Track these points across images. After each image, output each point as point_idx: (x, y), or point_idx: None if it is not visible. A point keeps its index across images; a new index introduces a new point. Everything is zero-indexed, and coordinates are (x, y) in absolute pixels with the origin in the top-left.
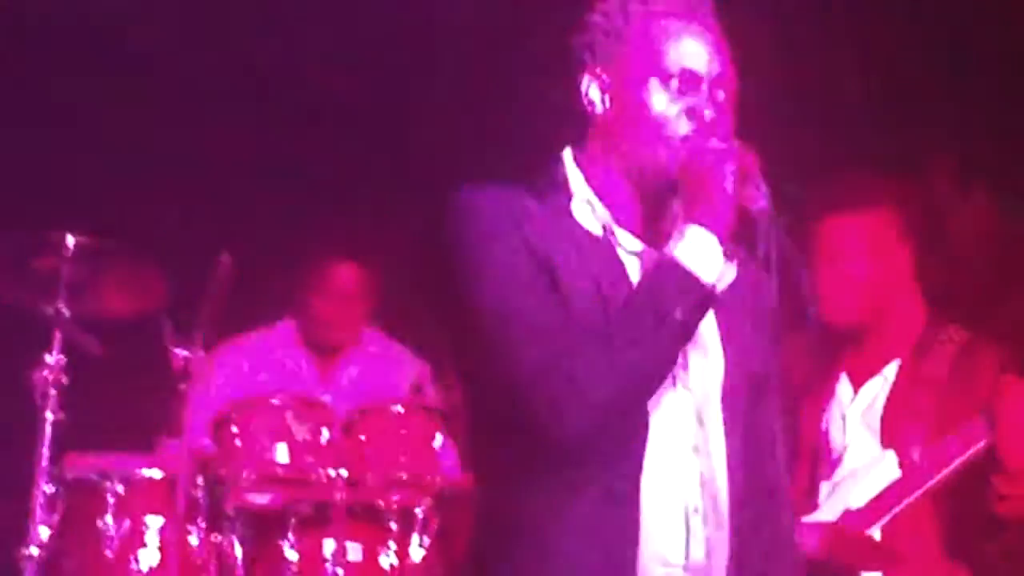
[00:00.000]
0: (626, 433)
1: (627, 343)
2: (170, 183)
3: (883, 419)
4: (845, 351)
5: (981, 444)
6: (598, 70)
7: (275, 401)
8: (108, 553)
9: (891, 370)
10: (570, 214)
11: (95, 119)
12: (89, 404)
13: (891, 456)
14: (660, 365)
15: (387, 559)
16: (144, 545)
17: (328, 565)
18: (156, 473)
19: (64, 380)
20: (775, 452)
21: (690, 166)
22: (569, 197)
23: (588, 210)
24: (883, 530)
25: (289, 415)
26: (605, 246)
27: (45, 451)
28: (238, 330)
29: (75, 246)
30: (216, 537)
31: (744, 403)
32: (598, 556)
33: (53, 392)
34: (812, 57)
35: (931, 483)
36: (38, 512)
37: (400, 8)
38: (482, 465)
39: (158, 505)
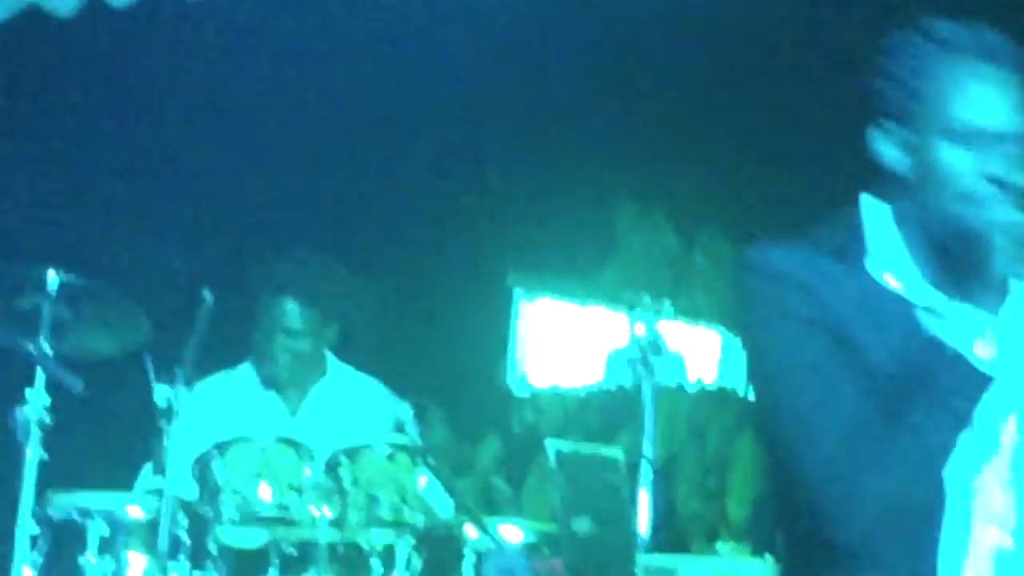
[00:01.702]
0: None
1: (920, 443)
2: (151, 222)
3: None
4: None
5: None
6: (889, 123)
7: (257, 441)
8: None
9: None
10: (865, 272)
11: (78, 158)
12: (72, 443)
13: None
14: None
15: None
16: None
17: None
18: (139, 512)
19: (47, 419)
20: None
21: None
22: (863, 253)
23: (887, 269)
24: None
25: (271, 455)
26: (904, 307)
27: (28, 490)
28: (217, 368)
29: (58, 284)
30: None
31: None
32: None
33: (36, 430)
34: None
35: None
36: (21, 552)
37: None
38: (781, 548)
39: (141, 544)
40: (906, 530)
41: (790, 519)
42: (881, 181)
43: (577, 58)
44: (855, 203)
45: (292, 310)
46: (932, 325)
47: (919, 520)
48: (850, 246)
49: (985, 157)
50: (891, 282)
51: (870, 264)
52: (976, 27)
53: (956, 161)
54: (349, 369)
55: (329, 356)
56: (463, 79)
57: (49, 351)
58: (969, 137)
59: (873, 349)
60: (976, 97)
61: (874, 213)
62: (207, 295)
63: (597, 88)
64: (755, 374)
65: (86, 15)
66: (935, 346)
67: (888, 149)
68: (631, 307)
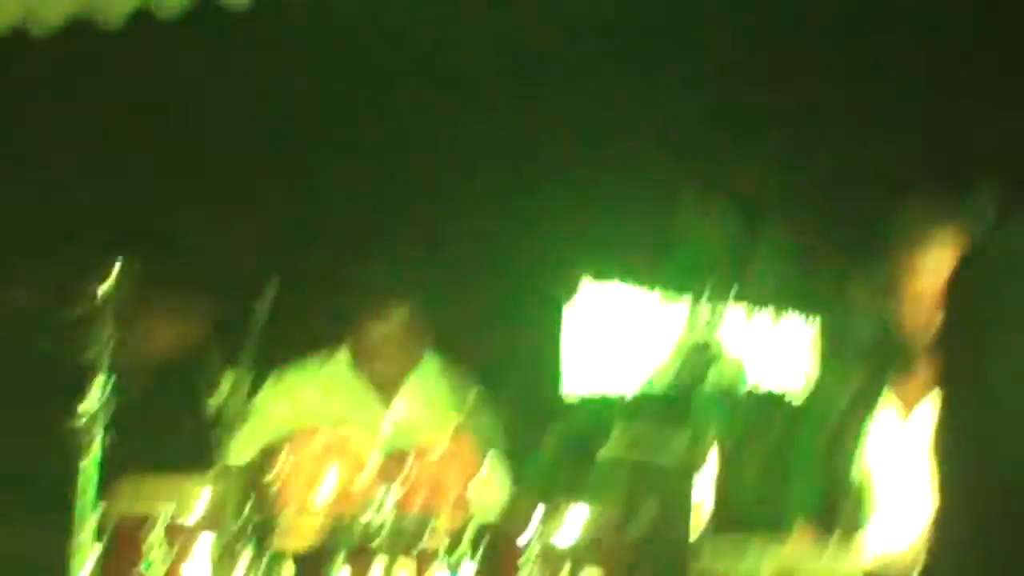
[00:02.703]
0: None
1: None
2: (215, 212)
3: (939, 448)
4: (884, 380)
5: None
6: None
7: (324, 433)
8: None
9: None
10: None
11: (140, 152)
12: (135, 433)
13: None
14: None
15: None
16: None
17: None
18: (202, 507)
19: (113, 406)
20: None
21: None
22: None
23: None
24: None
25: (338, 447)
26: None
27: (91, 487)
28: (285, 360)
29: (120, 274)
30: (263, 567)
31: None
32: None
33: (99, 421)
34: None
35: None
36: (82, 546)
37: None
38: None
39: (206, 535)
40: None
41: None
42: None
43: (636, 43)
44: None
45: (401, 312)
46: None
47: None
48: None
49: None
50: None
51: None
52: None
53: None
54: (439, 362)
55: (427, 353)
56: (518, 65)
57: (116, 340)
58: None
59: None
60: None
61: None
62: (272, 286)
63: (656, 74)
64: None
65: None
66: None
67: None
68: (691, 302)
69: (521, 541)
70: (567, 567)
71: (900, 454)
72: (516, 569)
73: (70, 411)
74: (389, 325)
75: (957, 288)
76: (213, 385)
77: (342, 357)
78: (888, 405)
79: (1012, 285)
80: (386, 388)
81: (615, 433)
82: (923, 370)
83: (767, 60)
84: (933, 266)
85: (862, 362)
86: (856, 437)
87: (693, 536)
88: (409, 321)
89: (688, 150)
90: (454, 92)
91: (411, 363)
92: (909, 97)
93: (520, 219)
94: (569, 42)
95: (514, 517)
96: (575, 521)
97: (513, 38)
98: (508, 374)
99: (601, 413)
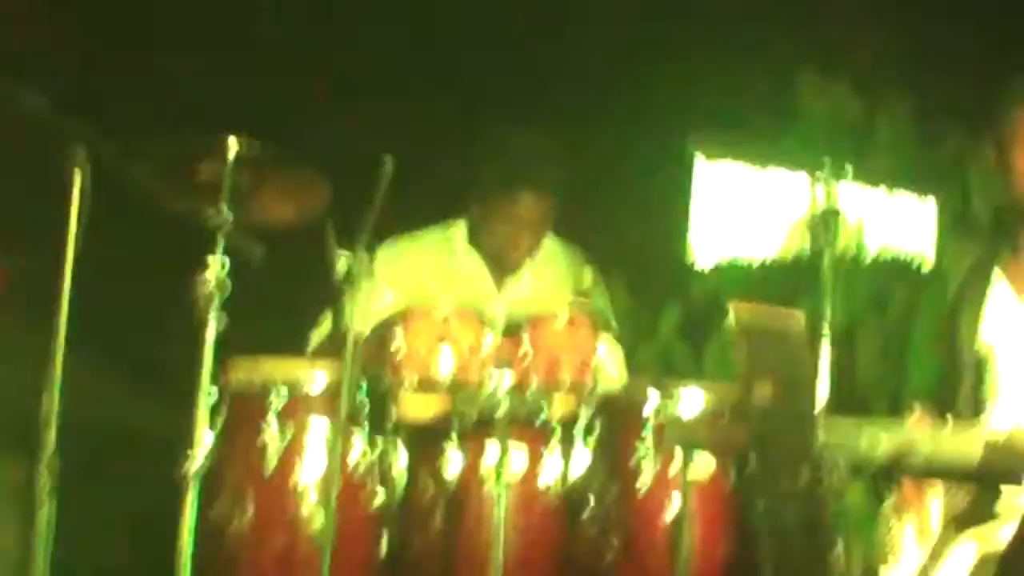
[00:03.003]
0: None
1: None
2: (331, 88)
3: None
4: (1001, 261)
5: None
6: None
7: (439, 309)
8: (270, 464)
9: None
10: None
11: (257, 27)
12: (252, 311)
13: None
14: None
15: (550, 468)
16: (307, 453)
17: (490, 474)
18: (319, 381)
19: (227, 286)
20: None
21: None
22: None
23: None
24: None
25: (453, 323)
26: None
27: (208, 359)
28: (399, 232)
29: (237, 151)
30: (379, 447)
31: None
32: None
33: (216, 299)
34: None
35: None
36: (201, 421)
37: None
38: None
39: (321, 413)
40: None
41: None
42: None
43: None
44: None
45: (527, 202)
46: None
47: None
48: None
49: None
50: None
51: None
52: None
53: None
54: (557, 243)
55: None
56: None
57: (230, 218)
58: None
59: None
60: None
61: None
62: (388, 162)
63: None
64: None
65: None
66: None
67: None
68: (812, 173)
69: (641, 415)
70: (686, 442)
71: (1018, 331)
72: (635, 445)
73: (193, 281)
74: (513, 204)
75: None
76: (332, 261)
77: (459, 230)
78: (1005, 282)
79: None
80: (504, 265)
81: (737, 305)
82: None
83: None
84: None
85: (980, 238)
86: (975, 313)
87: (816, 409)
88: (534, 202)
89: (806, 26)
90: None
91: (532, 245)
92: None
93: (640, 96)
94: None
95: (633, 392)
96: (695, 396)
97: None
98: (629, 251)
99: (723, 286)
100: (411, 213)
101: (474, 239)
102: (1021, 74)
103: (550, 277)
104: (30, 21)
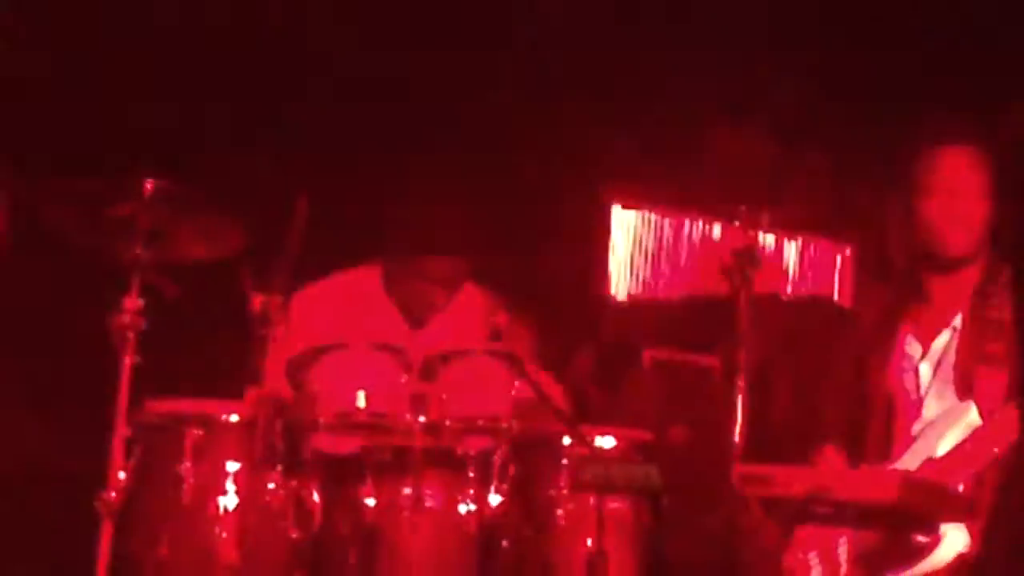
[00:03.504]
0: None
1: None
2: (247, 129)
3: (957, 369)
4: (908, 307)
5: None
6: None
7: (354, 346)
8: (185, 499)
9: (958, 321)
10: None
11: (173, 67)
12: (167, 349)
13: (971, 407)
14: None
15: (465, 506)
16: (223, 491)
17: (406, 511)
18: (234, 418)
19: (142, 325)
20: None
21: None
22: None
23: None
24: (966, 480)
25: (367, 360)
26: None
27: (123, 396)
28: (314, 276)
29: (153, 191)
30: (294, 483)
31: None
32: None
33: (131, 337)
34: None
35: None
36: (116, 457)
37: None
38: None
39: (236, 450)
40: None
41: None
42: None
43: None
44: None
45: (439, 264)
46: None
47: None
48: None
49: None
50: None
51: None
52: None
53: None
54: (476, 289)
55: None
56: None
57: (145, 257)
58: None
59: None
60: None
61: None
62: (303, 203)
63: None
64: None
65: None
66: None
67: None
68: (728, 218)
69: (557, 452)
70: (604, 478)
71: (923, 376)
72: (551, 480)
73: (112, 311)
74: (425, 266)
75: None
76: (248, 300)
77: (374, 274)
78: (911, 330)
79: None
80: (418, 315)
81: (652, 351)
82: (943, 291)
83: None
84: (957, 181)
85: (892, 284)
86: (884, 358)
87: (731, 450)
88: (446, 264)
89: (724, 73)
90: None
91: (445, 301)
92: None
93: (560, 146)
94: None
95: (548, 434)
96: (612, 434)
97: None
98: (546, 295)
99: (639, 326)
100: (323, 255)
101: (388, 286)
102: (927, 126)
103: (465, 322)
104: None
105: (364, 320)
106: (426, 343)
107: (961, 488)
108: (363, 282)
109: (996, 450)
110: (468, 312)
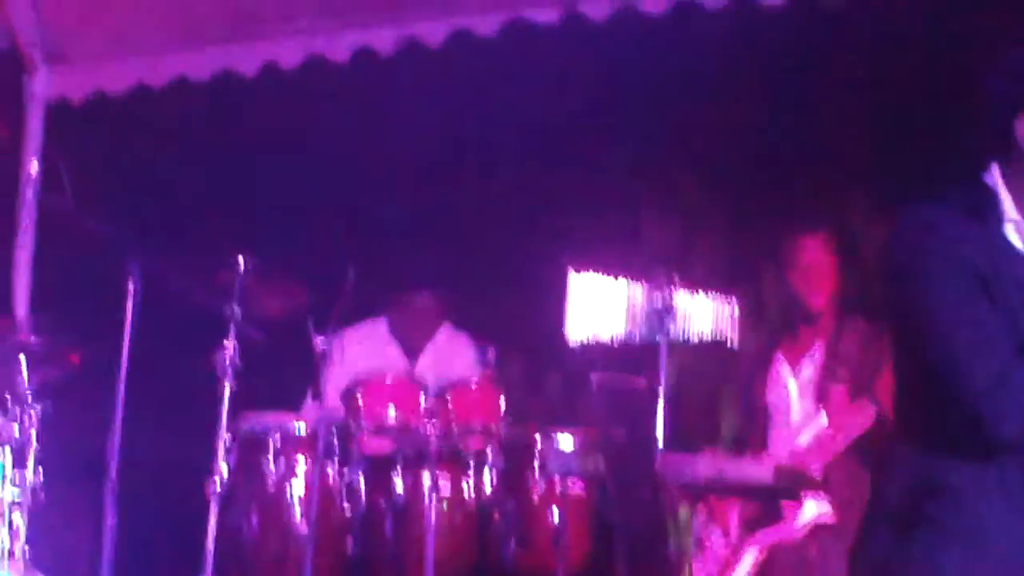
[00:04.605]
0: None
1: None
2: (312, 221)
3: (816, 386)
4: (781, 343)
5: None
6: None
7: (388, 379)
8: (270, 486)
9: (818, 351)
10: (1002, 234)
11: (260, 173)
12: (255, 378)
13: (822, 414)
14: None
15: (467, 489)
16: (295, 479)
17: (425, 494)
18: (303, 427)
19: (238, 361)
20: None
21: None
22: (1000, 218)
23: (1016, 232)
24: (822, 467)
25: (396, 386)
26: None
27: (224, 412)
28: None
29: (245, 264)
30: (346, 473)
31: None
32: (1015, 511)
33: (230, 369)
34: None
35: (852, 437)
36: (220, 457)
37: None
38: (907, 427)
39: (305, 451)
40: None
41: (932, 415)
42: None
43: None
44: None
45: (425, 297)
46: None
47: None
48: (986, 210)
49: None
50: (1017, 243)
51: (1007, 228)
52: None
53: None
54: (452, 329)
55: (445, 325)
56: (538, 122)
57: (239, 312)
58: None
59: (1007, 294)
60: None
61: (1004, 185)
62: (351, 272)
63: (621, 119)
64: (917, 299)
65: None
66: None
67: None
68: (651, 279)
69: (532, 450)
70: (563, 469)
71: (792, 390)
72: (528, 471)
73: (214, 356)
74: (414, 304)
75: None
76: (311, 342)
77: (382, 324)
78: (783, 357)
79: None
80: (412, 347)
81: (598, 374)
82: (806, 332)
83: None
84: (814, 258)
85: (767, 325)
86: (763, 379)
87: (655, 446)
88: (429, 302)
89: (654, 191)
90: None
91: (430, 331)
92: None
93: (536, 232)
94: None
95: (526, 435)
96: (568, 438)
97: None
98: (522, 336)
99: (589, 358)
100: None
101: (391, 331)
102: (794, 215)
103: (445, 355)
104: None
105: (382, 357)
106: (421, 371)
107: (817, 470)
108: (377, 329)
109: (842, 442)
110: (448, 346)
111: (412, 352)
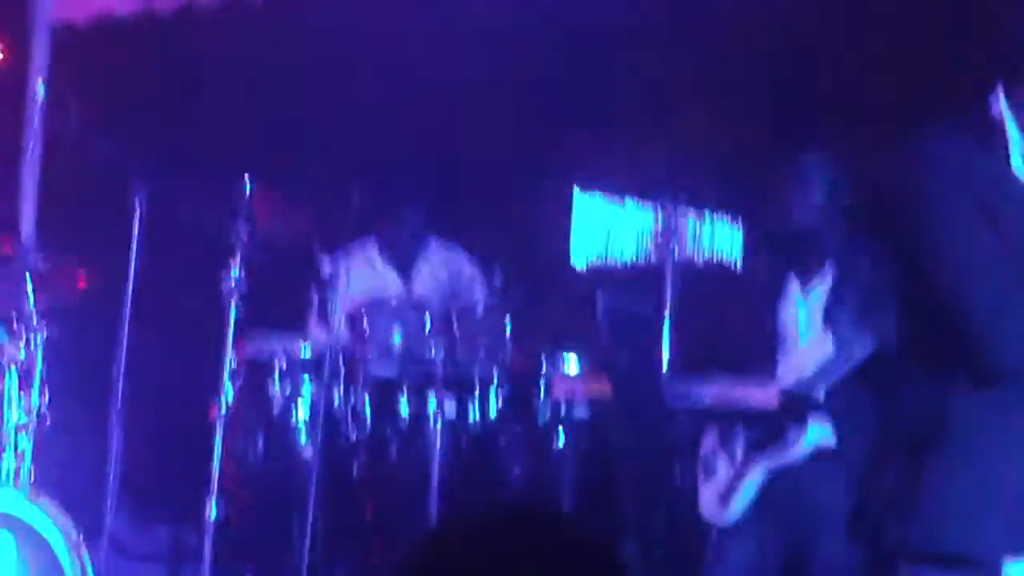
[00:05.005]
0: None
1: None
2: (317, 144)
3: (826, 312)
4: (791, 262)
5: None
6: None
7: (393, 302)
8: (275, 409)
9: (830, 273)
10: (1007, 164)
11: (265, 98)
12: (262, 304)
13: (829, 338)
14: None
15: (473, 414)
16: (300, 402)
17: (430, 417)
18: (308, 352)
19: (243, 283)
20: None
21: None
22: (1006, 147)
23: (1022, 163)
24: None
25: (403, 311)
26: None
27: (229, 335)
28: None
29: (251, 189)
30: (351, 398)
31: None
32: (1014, 438)
33: (235, 292)
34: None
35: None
36: (225, 380)
37: None
38: (914, 360)
39: (311, 375)
40: None
41: (938, 347)
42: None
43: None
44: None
45: (409, 211)
46: None
47: None
48: (992, 138)
49: None
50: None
51: (1013, 160)
52: None
53: None
54: (441, 242)
55: (432, 238)
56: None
57: (245, 234)
58: None
59: (1011, 226)
60: None
61: (1009, 114)
62: (356, 194)
63: (626, 44)
64: (921, 228)
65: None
66: None
67: None
68: (656, 203)
69: (537, 374)
70: (571, 391)
71: (802, 316)
72: (535, 392)
73: (220, 279)
74: (399, 217)
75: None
76: (317, 264)
77: (373, 246)
78: (796, 281)
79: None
80: (403, 265)
81: (604, 296)
82: (816, 255)
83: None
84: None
85: (775, 252)
86: (774, 302)
87: (660, 368)
88: (413, 216)
89: (661, 112)
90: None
91: (418, 245)
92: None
93: (530, 148)
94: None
95: (531, 358)
96: (574, 360)
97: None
98: (528, 259)
99: (596, 281)
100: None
101: (381, 250)
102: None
103: (442, 268)
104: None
105: (374, 279)
106: (419, 290)
107: (822, 396)
108: (367, 249)
109: (844, 368)
110: (441, 259)
111: (403, 269)
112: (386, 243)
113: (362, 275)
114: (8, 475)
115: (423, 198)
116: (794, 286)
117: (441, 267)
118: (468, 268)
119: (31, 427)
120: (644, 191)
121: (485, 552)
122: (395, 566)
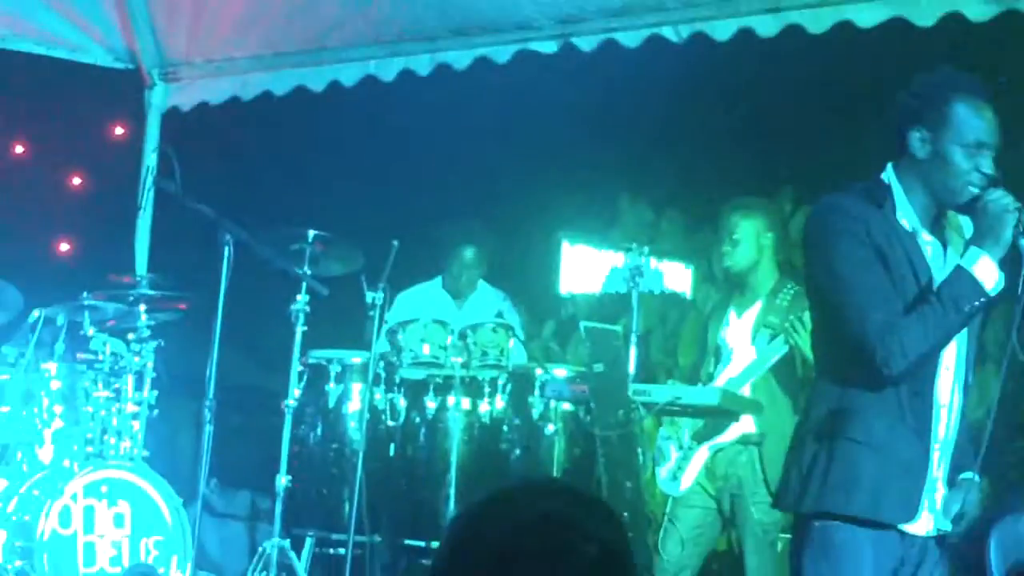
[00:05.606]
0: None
1: (935, 324)
2: (367, 203)
3: (752, 333)
4: (732, 297)
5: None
6: (923, 130)
7: (422, 320)
8: (330, 403)
9: (759, 305)
10: (895, 218)
11: (326, 168)
12: (321, 323)
13: (754, 350)
14: (951, 335)
15: (484, 408)
16: (350, 399)
17: (450, 411)
18: (358, 359)
19: (307, 309)
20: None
21: (987, 208)
22: (893, 206)
23: (904, 215)
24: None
25: (430, 328)
26: (913, 239)
27: (297, 348)
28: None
29: (313, 236)
30: (390, 395)
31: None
32: (906, 427)
33: (301, 315)
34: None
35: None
36: (293, 382)
37: None
38: (824, 366)
39: (359, 377)
40: (920, 368)
41: (841, 356)
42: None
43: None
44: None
45: (471, 253)
46: (925, 250)
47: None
48: (882, 199)
49: (978, 160)
50: (904, 224)
51: (898, 214)
52: (973, 75)
53: (961, 161)
54: (487, 284)
55: (481, 280)
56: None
57: (309, 272)
58: (971, 147)
59: (897, 262)
60: (981, 123)
61: (897, 180)
62: (395, 243)
63: (606, 128)
64: (828, 264)
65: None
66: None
67: (915, 143)
68: (627, 250)
69: (534, 379)
70: (557, 394)
71: (738, 335)
72: (530, 395)
73: (288, 307)
74: (463, 257)
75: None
76: (364, 296)
77: (438, 282)
78: (733, 310)
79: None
80: (458, 296)
81: (585, 322)
82: (751, 291)
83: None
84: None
85: (716, 287)
86: (716, 326)
87: (627, 378)
88: (473, 255)
89: (630, 173)
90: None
91: (473, 283)
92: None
93: (538, 210)
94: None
95: (529, 367)
96: (562, 370)
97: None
98: (527, 292)
99: (578, 309)
100: (415, 270)
101: (445, 286)
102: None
103: (484, 304)
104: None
105: (434, 306)
106: (464, 315)
107: (748, 394)
108: (434, 286)
109: (760, 369)
110: (483, 298)
111: (458, 299)
112: (448, 280)
113: (426, 303)
114: (126, 454)
115: (473, 241)
116: (732, 314)
117: (481, 303)
118: (498, 303)
119: (143, 418)
120: (617, 240)
121: (528, 512)
122: (448, 531)
